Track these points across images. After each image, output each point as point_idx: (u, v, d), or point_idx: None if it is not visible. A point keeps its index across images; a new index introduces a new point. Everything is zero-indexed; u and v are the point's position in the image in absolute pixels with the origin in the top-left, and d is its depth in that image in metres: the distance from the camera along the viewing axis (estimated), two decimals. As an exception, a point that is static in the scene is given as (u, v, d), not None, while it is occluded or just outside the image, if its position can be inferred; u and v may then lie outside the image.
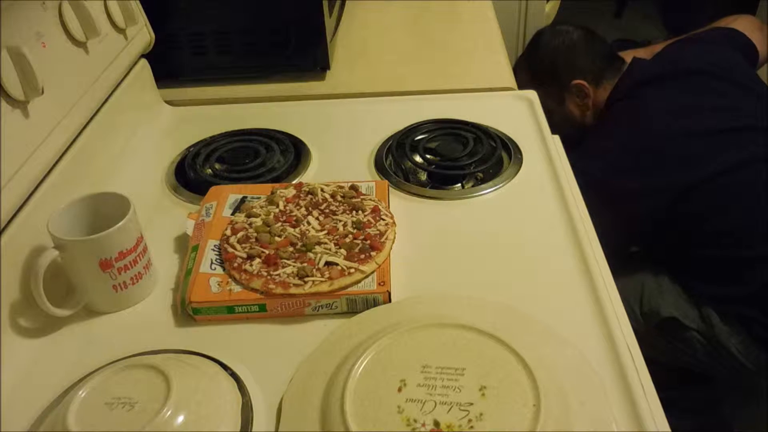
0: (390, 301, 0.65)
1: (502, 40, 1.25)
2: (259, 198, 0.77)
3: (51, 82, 0.71)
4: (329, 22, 1.09)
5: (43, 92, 0.68)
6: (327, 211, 0.74)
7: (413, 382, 0.53)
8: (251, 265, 0.66)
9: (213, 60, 1.09)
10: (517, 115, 0.98)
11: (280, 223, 0.72)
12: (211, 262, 0.68)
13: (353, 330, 0.61)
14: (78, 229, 0.66)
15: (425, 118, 0.96)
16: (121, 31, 0.89)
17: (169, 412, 0.50)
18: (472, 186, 0.84)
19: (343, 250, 0.68)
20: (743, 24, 1.40)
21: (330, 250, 0.68)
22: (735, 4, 2.22)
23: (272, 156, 0.89)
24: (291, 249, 0.68)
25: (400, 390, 0.52)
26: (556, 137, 0.94)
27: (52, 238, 0.62)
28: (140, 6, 0.95)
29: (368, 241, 0.68)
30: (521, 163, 0.87)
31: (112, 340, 0.64)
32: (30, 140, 0.68)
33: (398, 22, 1.35)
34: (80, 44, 0.79)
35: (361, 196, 0.76)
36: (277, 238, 0.70)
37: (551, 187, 0.82)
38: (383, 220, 0.72)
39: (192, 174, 0.87)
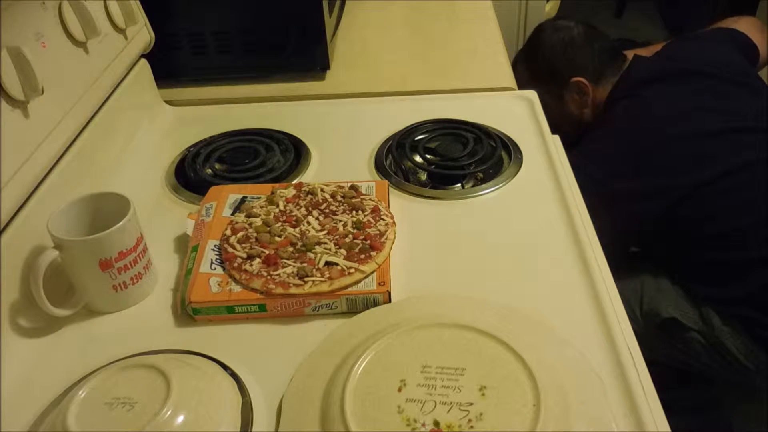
0: (390, 301, 0.65)
1: (502, 40, 1.25)
2: (259, 198, 0.77)
3: (51, 82, 0.71)
4: (329, 22, 1.09)
5: (43, 92, 0.68)
6: (327, 211, 0.74)
7: (413, 382, 0.53)
8: (251, 265, 0.66)
9: (213, 60, 1.09)
10: (517, 115, 0.98)
11: (280, 223, 0.72)
12: (211, 262, 0.68)
13: (353, 330, 0.61)
14: (78, 229, 0.66)
15: (425, 118, 0.96)
16: (121, 31, 0.89)
17: (169, 412, 0.50)
18: (472, 186, 0.84)
19: (343, 250, 0.68)
20: (745, 25, 1.40)
21: (330, 250, 0.68)
22: (734, 3, 2.22)
23: (272, 156, 0.89)
24: (291, 249, 0.68)
25: (400, 390, 0.52)
26: (556, 137, 0.94)
27: (52, 238, 0.62)
28: (140, 6, 0.95)
29: (368, 241, 0.68)
30: (521, 163, 0.87)
31: (112, 340, 0.64)
32: (30, 140, 0.68)
33: (398, 22, 1.35)
34: (80, 44, 0.79)
35: (361, 196, 0.76)
36: (277, 238, 0.70)
37: (551, 187, 0.82)
38: (383, 220, 0.72)
39: (192, 174, 0.87)
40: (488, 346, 0.55)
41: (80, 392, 0.52)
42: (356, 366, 0.54)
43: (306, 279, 0.64)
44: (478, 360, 0.54)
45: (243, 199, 0.77)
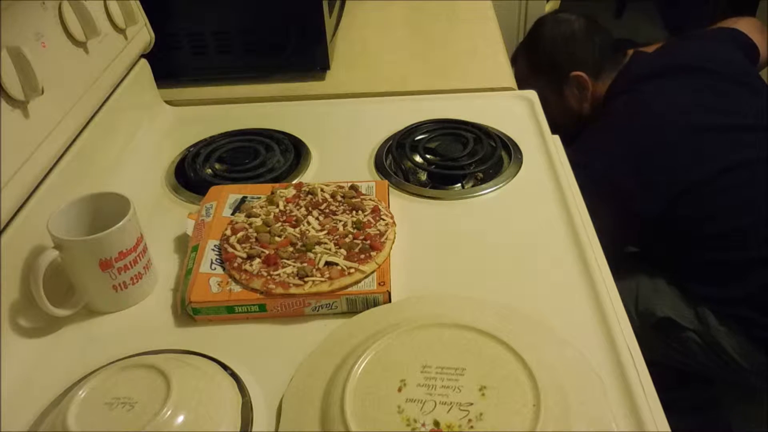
0: (390, 301, 0.65)
1: (502, 40, 1.25)
2: (259, 198, 0.77)
3: (51, 82, 0.71)
4: (329, 22, 1.09)
5: (43, 92, 0.68)
6: (327, 211, 0.74)
7: (413, 382, 0.53)
8: (251, 265, 0.66)
9: (213, 60, 1.09)
10: (517, 115, 0.98)
11: (280, 223, 0.72)
12: (211, 262, 0.68)
13: (353, 330, 0.61)
14: (78, 229, 0.66)
15: (425, 118, 0.96)
16: (121, 31, 0.89)
17: (169, 412, 0.50)
18: (472, 186, 0.84)
19: (343, 250, 0.68)
20: (745, 25, 1.39)
21: (330, 250, 0.68)
22: (734, 3, 2.22)
23: (272, 156, 0.89)
24: (291, 249, 0.68)
25: (400, 390, 0.52)
26: (556, 137, 0.94)
27: (52, 238, 0.62)
28: (140, 6, 0.95)
29: (368, 241, 0.68)
30: (521, 163, 0.87)
31: (112, 340, 0.64)
32: (30, 140, 0.68)
33: (398, 22, 1.35)
34: (80, 44, 0.79)
35: (361, 196, 0.76)
36: (277, 238, 0.70)
37: (551, 187, 0.82)
38: (383, 220, 0.72)
39: (192, 174, 0.87)
40: (488, 346, 0.55)
41: (80, 392, 0.52)
42: (356, 366, 0.54)
43: (306, 279, 0.64)
44: (478, 360, 0.54)
45: (243, 199, 0.77)
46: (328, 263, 0.66)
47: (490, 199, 0.81)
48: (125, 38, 0.91)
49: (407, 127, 0.95)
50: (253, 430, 0.54)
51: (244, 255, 0.68)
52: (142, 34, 0.96)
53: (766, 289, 1.08)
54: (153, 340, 0.63)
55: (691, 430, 1.29)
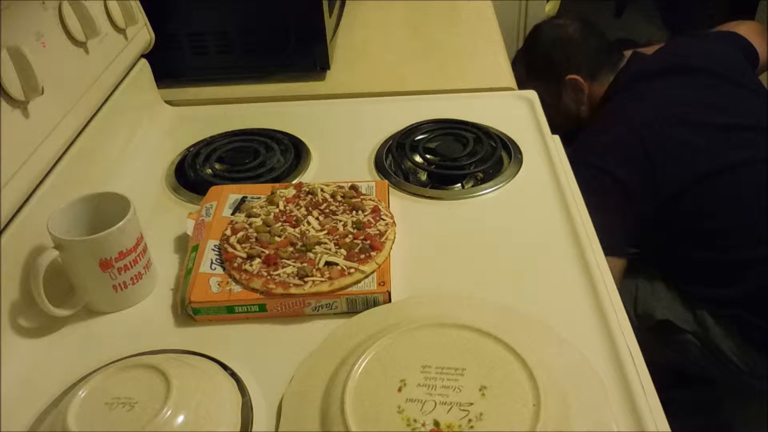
0: (390, 301, 0.65)
1: (502, 40, 1.25)
2: (259, 198, 0.77)
3: (51, 82, 0.71)
4: (329, 22, 1.09)
5: (43, 92, 0.68)
6: (327, 211, 0.74)
7: (413, 382, 0.53)
8: (251, 265, 0.66)
9: (213, 60, 1.09)
10: (517, 115, 0.98)
11: (280, 223, 0.72)
12: (211, 262, 0.68)
13: (353, 330, 0.61)
14: (78, 229, 0.66)
15: (425, 118, 0.96)
16: (121, 31, 0.89)
17: (169, 412, 0.50)
18: (472, 186, 0.84)
19: (343, 250, 0.68)
20: (746, 29, 1.40)
21: (330, 250, 0.68)
22: (733, 4, 2.22)
23: (272, 156, 0.89)
24: (291, 249, 0.68)
25: (400, 390, 0.52)
26: (556, 137, 0.94)
27: (52, 238, 0.62)
28: (140, 6, 0.95)
29: (368, 241, 0.68)
30: (521, 163, 0.87)
31: (112, 340, 0.64)
32: (30, 140, 0.68)
33: (398, 22, 1.35)
34: (80, 44, 0.79)
35: (361, 196, 0.76)
36: (277, 238, 0.70)
37: (551, 187, 0.82)
38: (383, 220, 0.72)
39: (192, 174, 0.87)
40: (488, 346, 0.55)
41: (80, 392, 0.52)
42: (356, 366, 0.54)
43: (306, 279, 0.64)
44: (478, 360, 0.54)
45: (243, 199, 0.77)
46: (328, 263, 0.66)
47: (490, 199, 0.81)
48: (125, 38, 0.91)
49: (407, 127, 0.95)
50: (253, 430, 0.54)
51: (244, 255, 0.68)
52: (142, 34, 0.96)
53: (763, 290, 1.08)
54: (153, 340, 0.63)
55: (692, 431, 1.29)
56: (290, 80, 1.10)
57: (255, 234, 0.70)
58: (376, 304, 0.65)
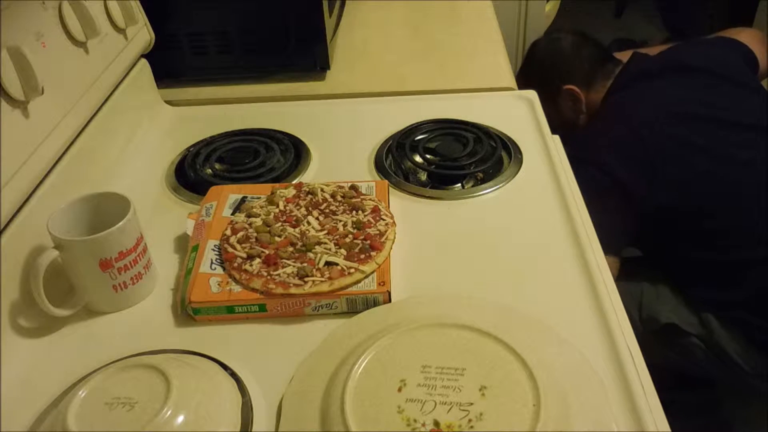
0: (390, 301, 0.65)
1: (502, 40, 1.25)
2: (259, 198, 0.77)
3: (51, 82, 0.71)
4: (329, 22, 1.09)
5: (43, 92, 0.68)
6: (327, 211, 0.74)
7: (413, 382, 0.53)
8: (251, 265, 0.66)
9: (213, 60, 1.09)
10: (517, 115, 0.98)
11: (280, 223, 0.72)
12: (211, 262, 0.68)
13: (353, 330, 0.61)
14: (78, 229, 0.66)
15: (425, 118, 0.96)
16: (121, 31, 0.89)
17: (169, 412, 0.50)
18: (472, 186, 0.84)
19: (343, 250, 0.68)
20: (747, 37, 1.40)
21: (330, 250, 0.68)
22: (733, 4, 2.22)
23: (272, 156, 0.89)
24: (291, 249, 0.68)
25: (400, 390, 0.52)
26: (556, 137, 0.94)
27: (52, 238, 0.62)
28: (140, 6, 0.95)
29: (368, 241, 0.68)
30: (521, 163, 0.87)
31: (112, 340, 0.64)
32: (30, 140, 0.68)
33: (398, 22, 1.35)
34: (80, 44, 0.79)
35: (361, 196, 0.76)
36: (277, 238, 0.70)
37: (551, 187, 0.82)
38: (383, 220, 0.72)
39: (192, 174, 0.87)
40: (488, 346, 0.55)
41: (80, 392, 0.52)
42: (356, 366, 0.54)
43: (306, 279, 0.64)
44: (478, 360, 0.54)
45: (243, 199, 0.77)
46: (328, 263, 0.66)
47: (490, 199, 0.81)
48: (125, 38, 0.91)
49: (407, 127, 0.95)
50: (253, 430, 0.54)
51: (244, 255, 0.68)
52: (142, 34, 0.96)
53: (764, 291, 1.08)
54: (153, 340, 0.63)
55: (692, 431, 1.29)
56: (290, 80, 1.10)
57: (255, 234, 0.70)
58: (376, 304, 0.65)
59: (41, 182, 0.70)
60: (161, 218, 0.79)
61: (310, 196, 0.76)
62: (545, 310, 0.64)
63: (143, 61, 0.99)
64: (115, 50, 0.88)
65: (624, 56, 1.40)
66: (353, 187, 0.77)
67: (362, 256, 0.67)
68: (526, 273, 0.69)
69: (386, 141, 0.93)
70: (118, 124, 0.89)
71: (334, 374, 0.56)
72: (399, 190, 0.83)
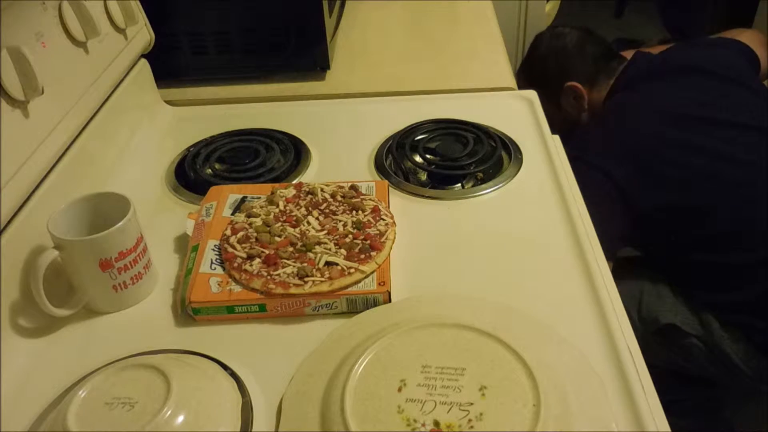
0: (390, 301, 0.65)
1: (502, 40, 1.25)
2: (259, 198, 0.77)
3: (51, 82, 0.71)
4: (329, 22, 1.09)
5: (43, 92, 0.68)
6: (327, 211, 0.74)
7: (413, 382, 0.53)
8: (251, 265, 0.66)
9: (213, 60, 1.09)
10: (517, 115, 0.98)
11: (280, 223, 0.72)
12: (211, 262, 0.68)
13: (353, 330, 0.61)
14: (78, 229, 0.66)
15: (425, 118, 0.96)
16: (121, 31, 0.89)
17: (169, 412, 0.50)
18: (472, 186, 0.84)
19: (343, 250, 0.68)
20: (748, 37, 1.40)
21: (330, 250, 0.68)
22: (733, 5, 2.22)
23: (272, 156, 0.89)
24: (291, 249, 0.68)
25: (400, 390, 0.52)
26: (556, 137, 0.94)
27: (52, 238, 0.62)
28: (140, 6, 0.95)
29: (368, 241, 0.68)
30: (521, 163, 0.87)
31: (112, 340, 0.64)
32: (30, 140, 0.68)
33: (398, 22, 1.35)
34: (80, 44, 0.79)
35: (361, 196, 0.76)
36: (277, 238, 0.70)
37: (551, 187, 0.82)
38: (383, 220, 0.72)
39: (192, 174, 0.87)
40: (488, 346, 0.55)
41: (80, 392, 0.52)
42: (356, 366, 0.54)
43: (306, 279, 0.64)
44: (478, 360, 0.54)
45: (243, 199, 0.77)
46: (328, 263, 0.66)
47: (490, 199, 0.81)
48: (125, 38, 0.91)
49: (407, 127, 0.95)
50: (253, 430, 0.54)
51: (244, 255, 0.68)
52: (142, 34, 0.96)
53: (765, 293, 1.08)
54: (153, 340, 0.63)
55: (692, 431, 1.29)
56: (290, 80, 1.10)
57: (255, 234, 0.70)
58: (376, 304, 0.65)
59: (41, 182, 0.70)
60: (161, 218, 0.79)
61: (310, 196, 0.76)
62: (545, 310, 0.64)
63: (143, 61, 0.99)
64: (115, 50, 0.88)
65: (627, 55, 1.40)
66: (353, 187, 0.77)
67: (362, 256, 0.67)
68: (526, 273, 0.69)
69: (386, 141, 0.93)
70: (118, 124, 0.89)
71: (334, 374, 0.56)
72: (399, 190, 0.83)
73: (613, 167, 1.14)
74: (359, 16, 1.38)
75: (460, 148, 0.89)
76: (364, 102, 1.05)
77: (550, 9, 1.88)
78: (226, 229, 0.72)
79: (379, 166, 0.88)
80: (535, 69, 1.49)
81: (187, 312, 0.65)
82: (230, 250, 0.68)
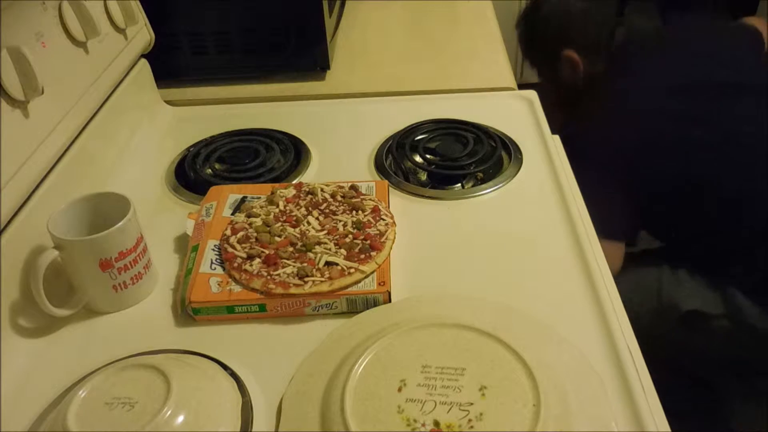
0: (390, 301, 0.65)
1: (502, 40, 1.25)
2: (259, 198, 0.77)
3: (51, 82, 0.71)
4: (329, 22, 1.09)
5: (43, 92, 0.68)
6: (327, 211, 0.74)
7: (413, 382, 0.53)
8: (251, 265, 0.66)
9: (213, 60, 1.09)
10: (517, 115, 0.98)
11: (280, 223, 0.72)
12: (211, 262, 0.68)
13: (353, 330, 0.61)
14: (78, 229, 0.66)
15: (425, 118, 0.96)
16: (121, 31, 0.89)
17: (169, 412, 0.50)
18: (472, 186, 0.84)
19: (343, 250, 0.68)
20: (752, 19, 1.40)
21: (330, 250, 0.68)
22: (734, 5, 2.22)
23: (272, 156, 0.89)
24: (291, 249, 0.68)
25: (400, 390, 0.52)
26: (556, 137, 0.94)
27: (52, 238, 0.62)
28: (140, 6, 0.95)
29: (368, 241, 0.68)
30: (521, 163, 0.87)
31: (112, 340, 0.64)
32: (30, 140, 0.68)
33: (398, 22, 1.35)
34: (80, 44, 0.79)
35: (361, 196, 0.76)
36: (277, 238, 0.70)
37: (551, 187, 0.82)
38: (383, 220, 0.72)
39: (192, 174, 0.87)
40: (488, 346, 0.55)
41: (80, 392, 0.52)
42: (356, 366, 0.54)
43: (306, 279, 0.64)
44: (478, 360, 0.54)
45: (243, 199, 0.77)
46: (328, 263, 0.66)
47: (490, 199, 0.81)
48: (125, 38, 0.91)
49: (407, 127, 0.95)
50: (253, 430, 0.54)
51: (244, 255, 0.67)
52: (142, 34, 0.96)
53: None
54: (153, 340, 0.63)
55: (692, 431, 1.29)
56: (290, 80, 1.10)
57: (255, 234, 0.70)
58: (376, 304, 0.65)
59: (41, 182, 0.70)
60: (161, 218, 0.79)
61: (310, 196, 0.76)
62: (545, 310, 0.64)
63: (143, 61, 0.99)
64: (115, 50, 0.88)
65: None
66: (353, 187, 0.77)
67: (362, 256, 0.67)
68: (526, 273, 0.69)
69: (386, 141, 0.93)
70: (118, 124, 0.89)
71: (334, 374, 0.56)
72: (399, 190, 0.83)
73: (614, 160, 1.13)
74: (359, 16, 1.38)
75: (460, 148, 0.89)
76: (364, 102, 1.05)
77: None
78: (226, 229, 0.72)
79: (379, 166, 0.88)
80: (535, 28, 1.40)
81: (187, 312, 0.65)
82: (230, 250, 0.68)
